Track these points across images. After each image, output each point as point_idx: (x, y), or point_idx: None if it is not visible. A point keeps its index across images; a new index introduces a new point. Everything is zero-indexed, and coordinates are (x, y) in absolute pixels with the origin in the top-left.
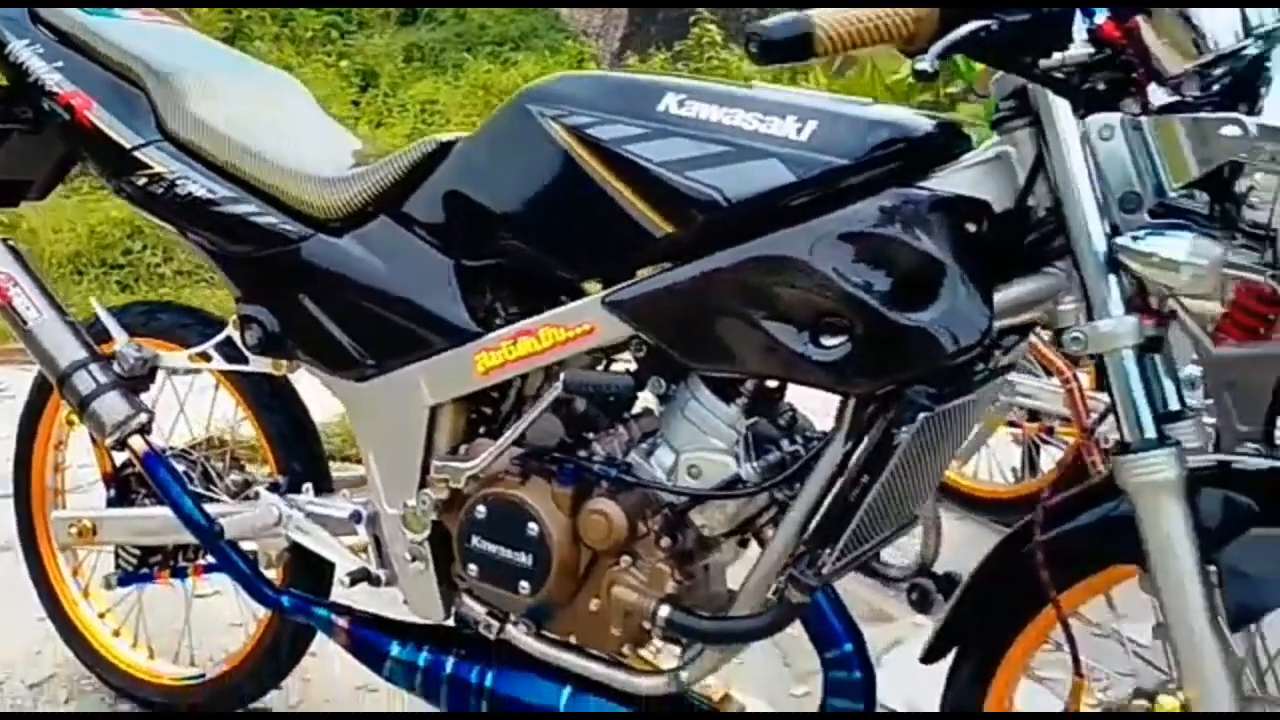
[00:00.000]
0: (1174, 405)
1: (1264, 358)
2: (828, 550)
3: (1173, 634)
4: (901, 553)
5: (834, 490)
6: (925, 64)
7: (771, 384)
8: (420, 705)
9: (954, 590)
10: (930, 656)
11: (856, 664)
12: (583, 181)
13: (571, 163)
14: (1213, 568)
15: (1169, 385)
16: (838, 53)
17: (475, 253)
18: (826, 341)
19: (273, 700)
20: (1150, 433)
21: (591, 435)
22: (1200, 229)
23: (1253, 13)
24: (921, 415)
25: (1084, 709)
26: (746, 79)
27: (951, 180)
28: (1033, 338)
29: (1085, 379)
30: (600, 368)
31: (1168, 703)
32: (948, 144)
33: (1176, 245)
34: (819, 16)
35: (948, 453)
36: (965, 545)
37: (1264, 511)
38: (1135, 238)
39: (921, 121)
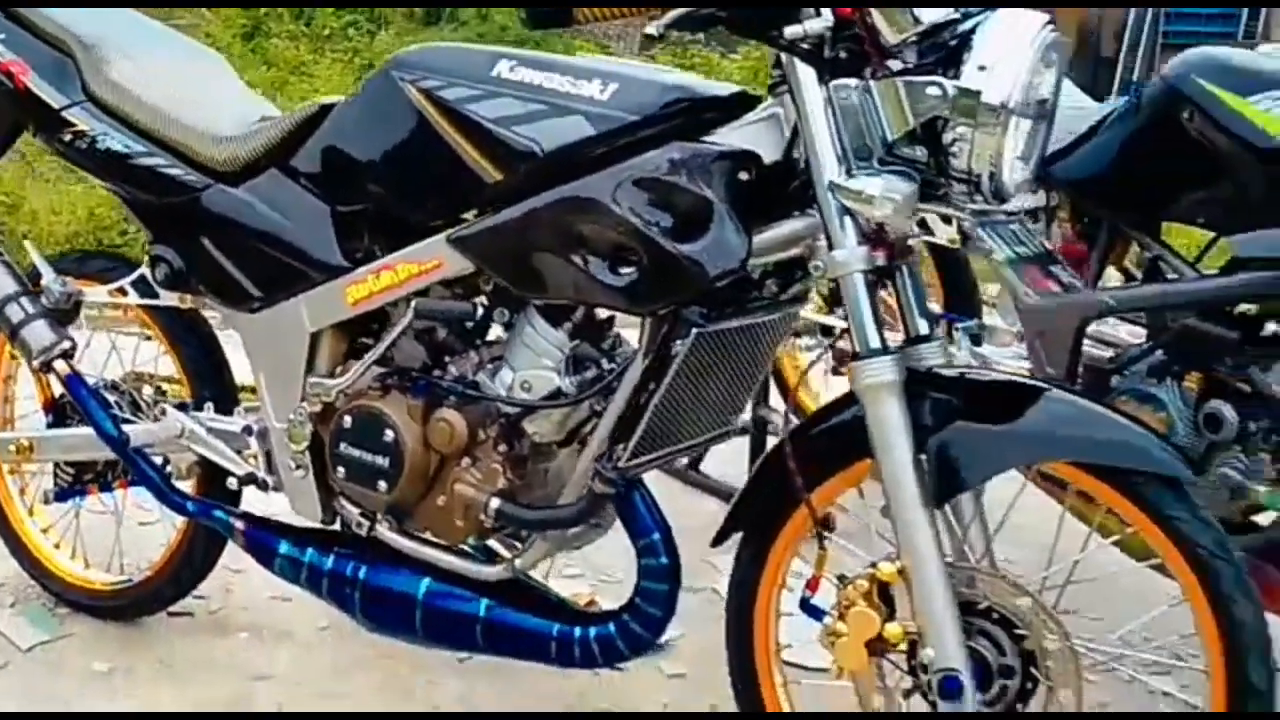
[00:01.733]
0: (923, 331)
1: (1067, 306)
2: (622, 447)
3: (892, 512)
4: None
5: (628, 397)
6: (651, 29)
7: (603, 313)
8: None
9: (830, 523)
10: (717, 540)
11: (663, 550)
12: (431, 136)
13: (423, 120)
14: (924, 456)
15: (918, 313)
16: (597, 20)
17: (347, 199)
18: (621, 270)
19: (195, 607)
20: (875, 343)
21: (448, 358)
22: (905, 173)
23: None
24: (694, 331)
25: (824, 575)
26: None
27: (731, 136)
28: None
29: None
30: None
31: (885, 569)
32: (732, 106)
33: (874, 184)
34: None
35: (747, 373)
36: None
37: (965, 409)
38: (848, 179)
39: (710, 86)
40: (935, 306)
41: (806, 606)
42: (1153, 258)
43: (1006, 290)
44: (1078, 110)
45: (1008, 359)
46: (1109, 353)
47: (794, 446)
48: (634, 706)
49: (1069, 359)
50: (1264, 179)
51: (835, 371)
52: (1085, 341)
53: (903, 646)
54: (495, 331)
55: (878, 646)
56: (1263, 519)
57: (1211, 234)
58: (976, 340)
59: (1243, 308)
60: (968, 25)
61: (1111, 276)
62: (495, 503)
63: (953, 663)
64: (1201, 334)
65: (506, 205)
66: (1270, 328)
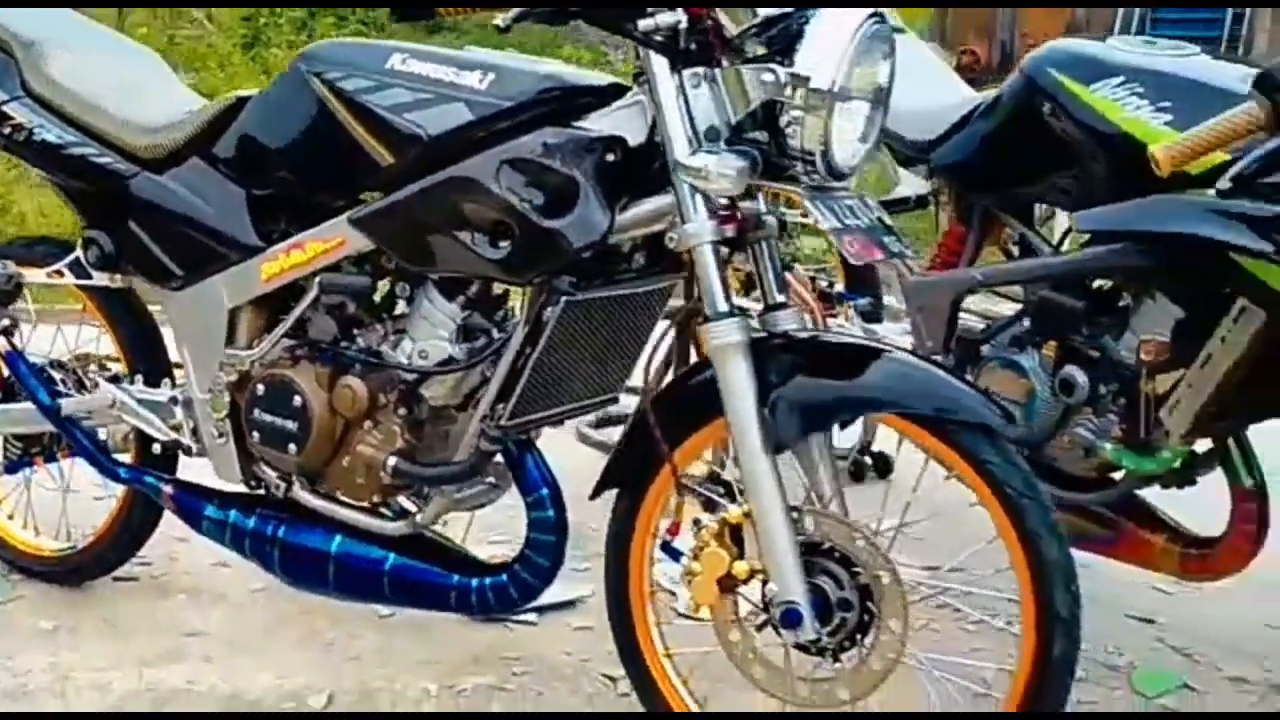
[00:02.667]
0: (778, 299)
1: (942, 283)
2: (502, 407)
3: (739, 461)
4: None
5: (510, 361)
6: (499, 20)
7: (499, 288)
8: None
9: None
10: (593, 495)
11: (550, 505)
12: (333, 124)
13: (325, 109)
14: (767, 410)
15: (773, 283)
16: (456, 15)
17: (261, 183)
18: (498, 244)
19: (140, 572)
20: (722, 307)
21: (357, 331)
22: (744, 151)
23: None
24: (564, 299)
25: (683, 521)
26: None
27: (601, 122)
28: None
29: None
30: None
31: (733, 512)
32: (605, 94)
33: (711, 161)
34: None
35: (625, 342)
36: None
37: (806, 368)
38: (690, 157)
39: (584, 76)
40: (839, 286)
41: (667, 549)
42: (1019, 237)
43: (894, 271)
44: (958, 99)
45: (897, 333)
46: (982, 324)
47: (655, 410)
48: (539, 656)
49: (945, 331)
50: (1106, 161)
51: None
52: (965, 315)
53: (755, 583)
54: (403, 306)
55: (728, 583)
56: (1118, 475)
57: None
58: (871, 317)
59: (1099, 281)
60: (801, 19)
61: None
62: (393, 461)
63: (793, 596)
64: (1055, 305)
65: (399, 187)
66: (1118, 299)
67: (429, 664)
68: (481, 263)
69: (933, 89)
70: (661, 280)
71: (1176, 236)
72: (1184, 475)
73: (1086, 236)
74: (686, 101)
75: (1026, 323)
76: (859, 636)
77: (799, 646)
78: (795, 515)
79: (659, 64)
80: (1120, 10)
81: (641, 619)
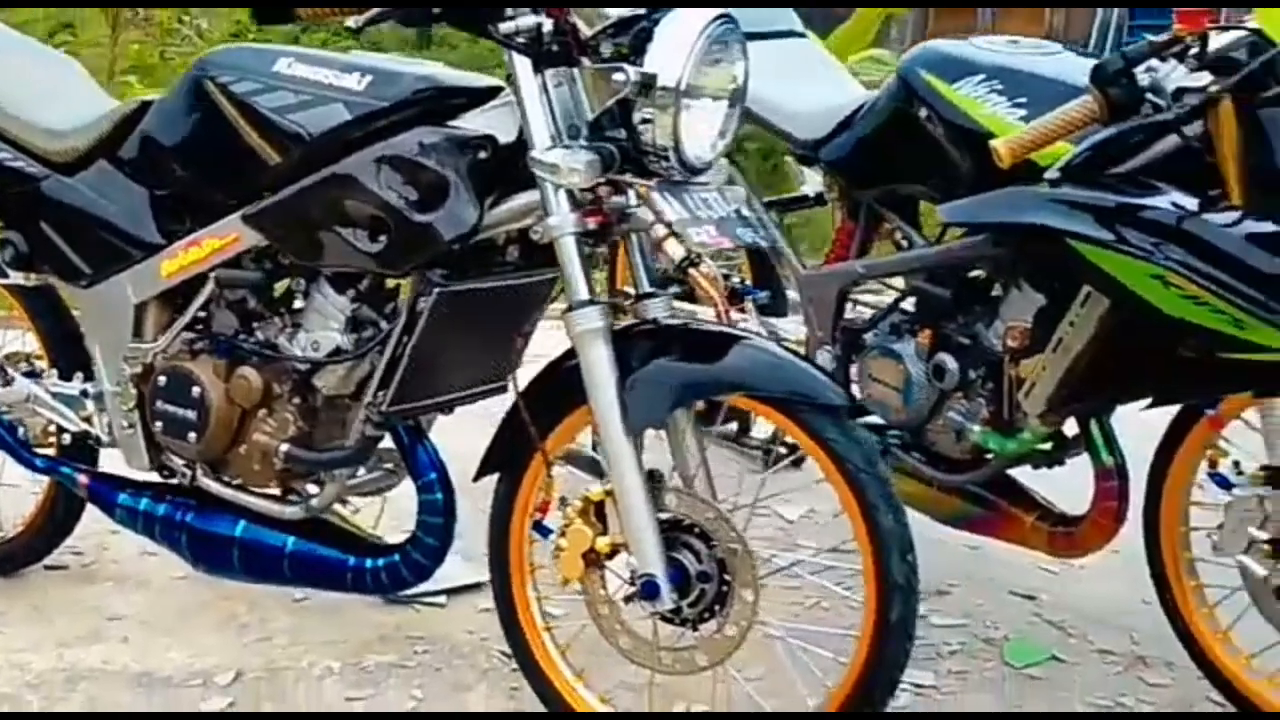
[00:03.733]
0: (646, 288)
1: (829, 276)
2: (382, 394)
3: (602, 441)
4: None
5: (390, 349)
6: (350, 22)
7: (390, 281)
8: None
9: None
10: (476, 477)
11: (439, 488)
12: (226, 125)
13: (219, 111)
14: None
15: (644, 273)
16: (317, 18)
17: (162, 184)
18: (375, 237)
19: (71, 561)
20: (583, 295)
21: (256, 324)
22: (599, 148)
23: None
24: (436, 290)
25: (552, 497)
26: None
27: (474, 121)
28: (694, 271)
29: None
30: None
31: (595, 490)
32: (479, 94)
33: (561, 156)
34: None
35: (505, 331)
36: None
37: (665, 353)
38: (544, 152)
39: (462, 78)
40: (746, 279)
41: (538, 526)
42: (893, 228)
43: (788, 266)
44: (846, 99)
45: (794, 325)
46: (867, 314)
47: (526, 400)
48: (443, 635)
49: (833, 321)
50: (969, 156)
51: None
52: (857, 306)
53: (622, 558)
54: (301, 299)
55: (592, 558)
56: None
57: None
58: (773, 310)
59: (976, 271)
60: (653, 20)
61: None
62: (285, 448)
63: (651, 569)
64: (927, 294)
65: (285, 185)
66: (991, 287)
67: (336, 643)
68: (360, 256)
69: (825, 89)
70: (539, 273)
71: (1025, 226)
72: (1052, 456)
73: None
74: (549, 100)
75: (903, 312)
76: (717, 607)
77: (664, 618)
78: (656, 492)
79: (522, 65)
80: (1098, 14)
81: (522, 595)
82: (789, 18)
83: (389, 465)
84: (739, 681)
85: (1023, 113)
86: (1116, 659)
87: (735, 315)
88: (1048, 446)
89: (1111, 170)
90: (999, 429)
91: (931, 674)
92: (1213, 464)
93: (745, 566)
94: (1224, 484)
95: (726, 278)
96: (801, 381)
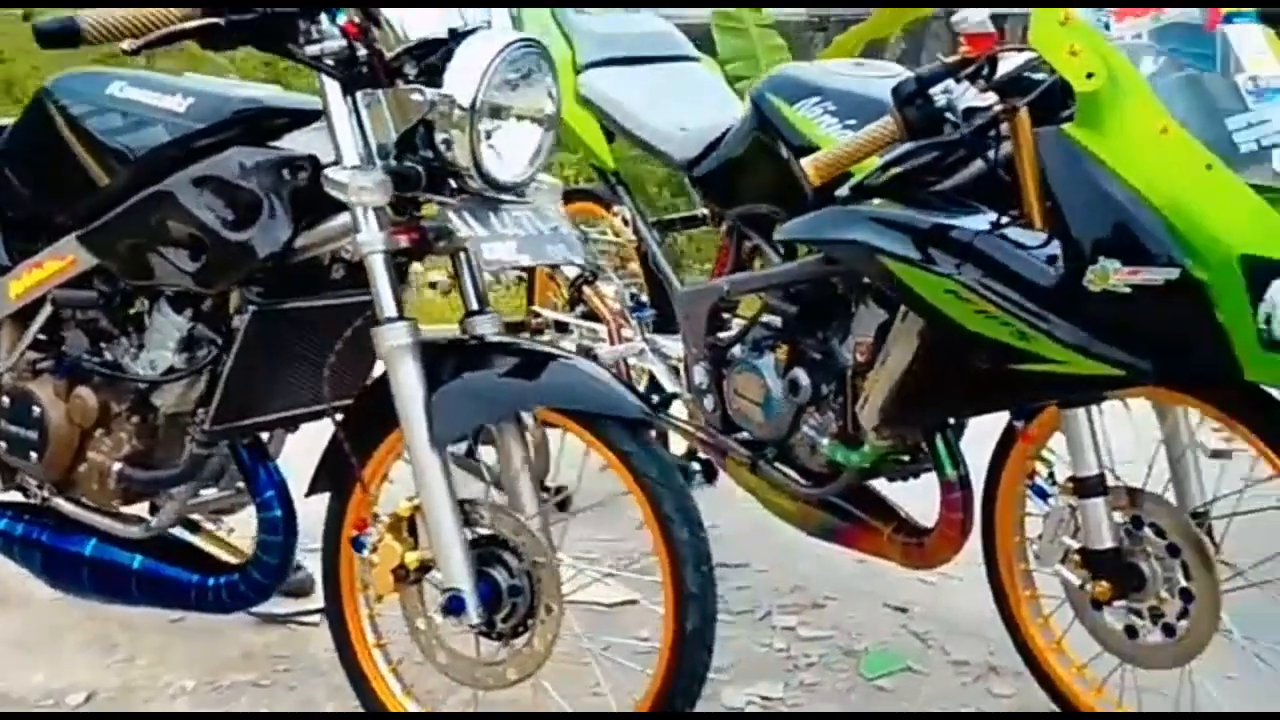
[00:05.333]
0: (474, 306)
1: (700, 293)
2: (204, 413)
3: (411, 457)
4: None
5: (217, 365)
6: (125, 45)
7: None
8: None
9: (567, 499)
10: (308, 493)
11: (277, 506)
12: (63, 147)
13: (58, 134)
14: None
15: (470, 290)
16: (108, 40)
17: (12, 206)
18: (196, 257)
19: None
20: (392, 312)
21: (104, 344)
22: (398, 168)
23: (454, 13)
24: (251, 309)
25: (368, 514)
26: None
27: (298, 141)
28: (587, 289)
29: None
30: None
31: (404, 506)
32: (303, 115)
33: (350, 175)
34: (88, 14)
35: (323, 354)
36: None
37: (474, 368)
38: (338, 172)
39: (286, 99)
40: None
41: (354, 543)
42: (754, 246)
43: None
44: (720, 120)
45: (678, 341)
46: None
47: (347, 421)
48: (306, 654)
49: (705, 337)
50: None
51: None
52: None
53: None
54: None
55: (402, 573)
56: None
57: None
58: (661, 327)
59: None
60: (454, 42)
61: None
62: (118, 467)
63: (457, 583)
64: (779, 311)
65: (115, 205)
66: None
67: (198, 663)
68: (181, 275)
69: (706, 111)
70: (359, 293)
71: (844, 243)
72: (906, 468)
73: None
74: (360, 122)
75: (765, 328)
76: (530, 621)
77: (483, 633)
78: (468, 508)
79: (331, 87)
80: None
81: (353, 613)
82: (681, 43)
83: (240, 484)
84: (550, 694)
85: (852, 134)
86: (969, 669)
87: (626, 332)
88: (904, 458)
89: (934, 188)
90: (845, 442)
91: (782, 685)
92: (1030, 476)
93: (552, 580)
94: (1042, 495)
95: (634, 296)
96: (602, 395)
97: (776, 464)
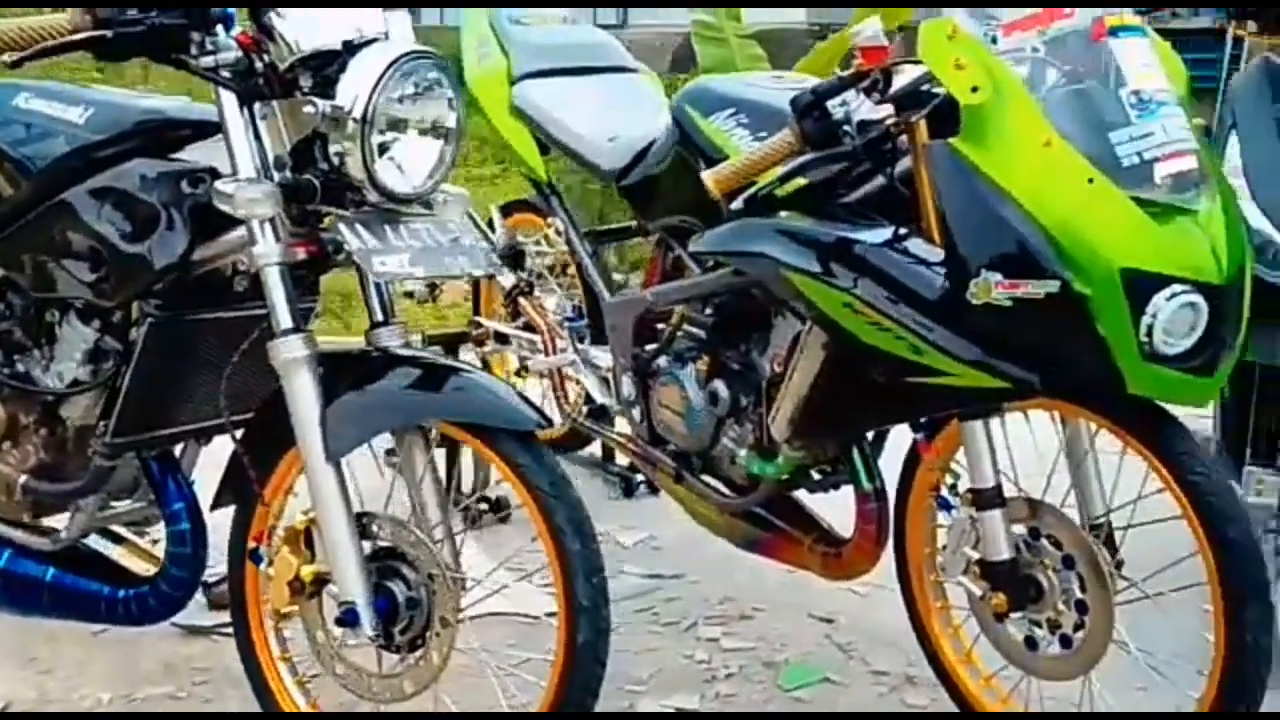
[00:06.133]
0: (379, 317)
1: (626, 303)
2: (104, 425)
3: (306, 469)
4: None
5: (118, 378)
6: (6, 58)
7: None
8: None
9: (503, 510)
10: (213, 507)
11: (186, 518)
12: None
13: None
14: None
15: (376, 302)
16: (12, 49)
17: None
18: (97, 268)
19: None
20: (287, 324)
21: (18, 356)
22: (304, 179)
23: (352, 25)
24: (149, 321)
25: (266, 526)
26: None
27: (198, 154)
28: (523, 300)
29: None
30: None
31: (300, 519)
32: (207, 127)
33: (233, 186)
34: None
35: (237, 362)
36: None
37: (370, 380)
38: (225, 184)
39: (188, 110)
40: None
41: (252, 555)
42: (676, 256)
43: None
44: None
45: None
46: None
47: (245, 440)
48: (227, 667)
49: (631, 348)
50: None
51: (518, 373)
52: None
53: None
54: None
55: (298, 586)
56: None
57: None
58: (595, 338)
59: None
60: (348, 55)
61: None
62: (23, 479)
63: (351, 596)
64: (696, 322)
65: (20, 217)
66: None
67: (117, 675)
68: (81, 287)
69: (634, 121)
70: (252, 310)
71: (750, 255)
72: (827, 480)
73: None
74: (256, 134)
75: (688, 339)
76: (427, 634)
77: (382, 646)
78: (366, 520)
79: (227, 98)
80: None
81: (257, 626)
82: (619, 54)
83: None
84: (449, 706)
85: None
86: (887, 680)
87: (561, 343)
88: (825, 469)
89: (842, 201)
90: (761, 454)
91: (698, 697)
92: (935, 487)
93: (447, 594)
94: (946, 506)
95: (577, 308)
96: (495, 407)
97: (701, 475)
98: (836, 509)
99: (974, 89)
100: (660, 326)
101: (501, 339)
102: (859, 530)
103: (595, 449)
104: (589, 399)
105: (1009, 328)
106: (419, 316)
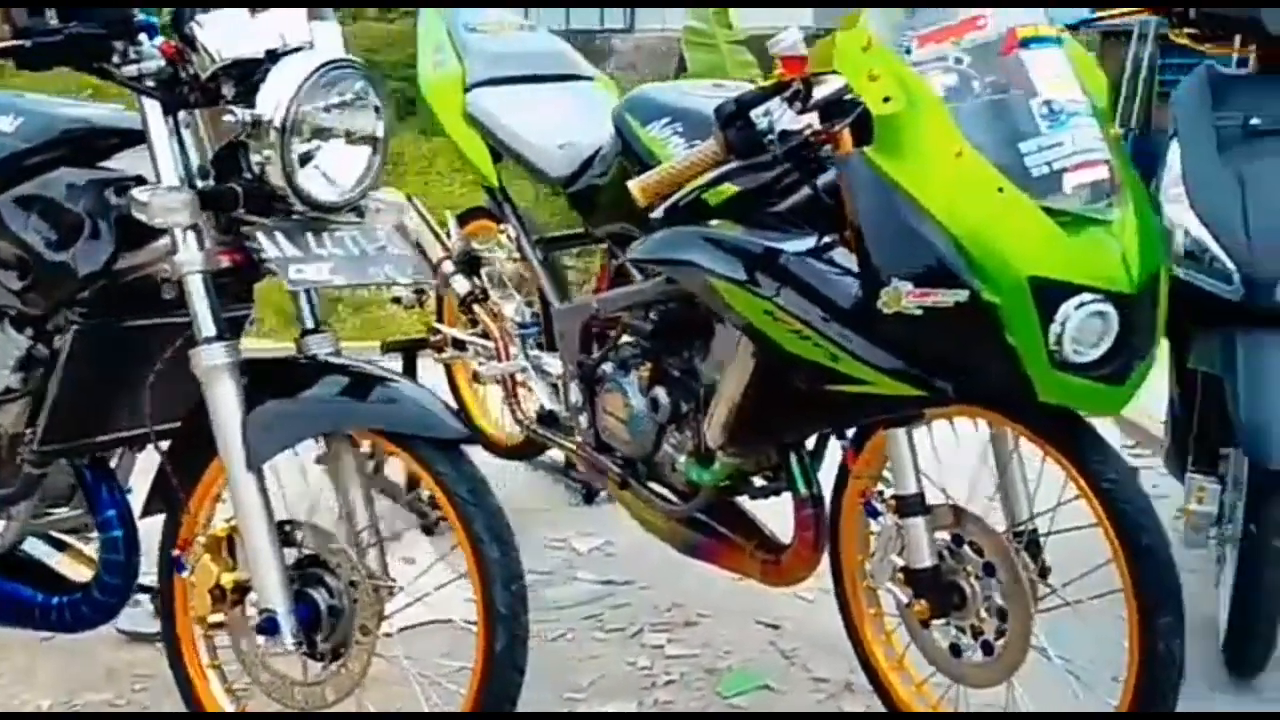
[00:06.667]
0: (309, 325)
1: (573, 310)
2: (31, 433)
3: (228, 477)
4: None
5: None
6: None
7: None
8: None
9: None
10: (142, 515)
11: (119, 525)
12: None
13: None
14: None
15: (306, 310)
16: None
17: None
18: (22, 276)
19: None
20: (210, 332)
21: None
22: (215, 188)
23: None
24: (73, 329)
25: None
26: None
27: (125, 161)
28: (477, 306)
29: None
30: None
31: (220, 526)
32: (135, 135)
33: (148, 194)
34: None
35: (166, 371)
36: None
37: (294, 389)
38: (141, 191)
39: (115, 119)
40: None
41: (176, 563)
42: (619, 263)
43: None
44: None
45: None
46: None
47: (172, 448)
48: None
49: (578, 355)
50: None
51: (474, 380)
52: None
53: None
54: None
55: (219, 594)
56: None
57: None
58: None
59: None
60: (269, 64)
61: None
62: None
63: (271, 604)
64: (638, 330)
65: None
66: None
67: (60, 682)
68: (9, 295)
69: (584, 128)
70: (175, 319)
71: (678, 263)
72: (768, 487)
73: None
74: (181, 142)
75: (632, 346)
76: (349, 642)
77: (307, 654)
78: (289, 528)
79: (150, 107)
80: (1130, 53)
81: (185, 633)
82: (574, 62)
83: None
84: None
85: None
86: (826, 687)
87: (513, 349)
88: (769, 476)
89: (773, 209)
90: (699, 460)
91: (635, 704)
92: (863, 494)
93: (369, 601)
94: (874, 514)
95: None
96: (418, 418)
97: (647, 482)
98: (781, 516)
99: (886, 99)
100: (607, 333)
101: (459, 346)
102: (797, 537)
103: (560, 455)
104: (544, 406)
105: (920, 336)
106: (405, 323)
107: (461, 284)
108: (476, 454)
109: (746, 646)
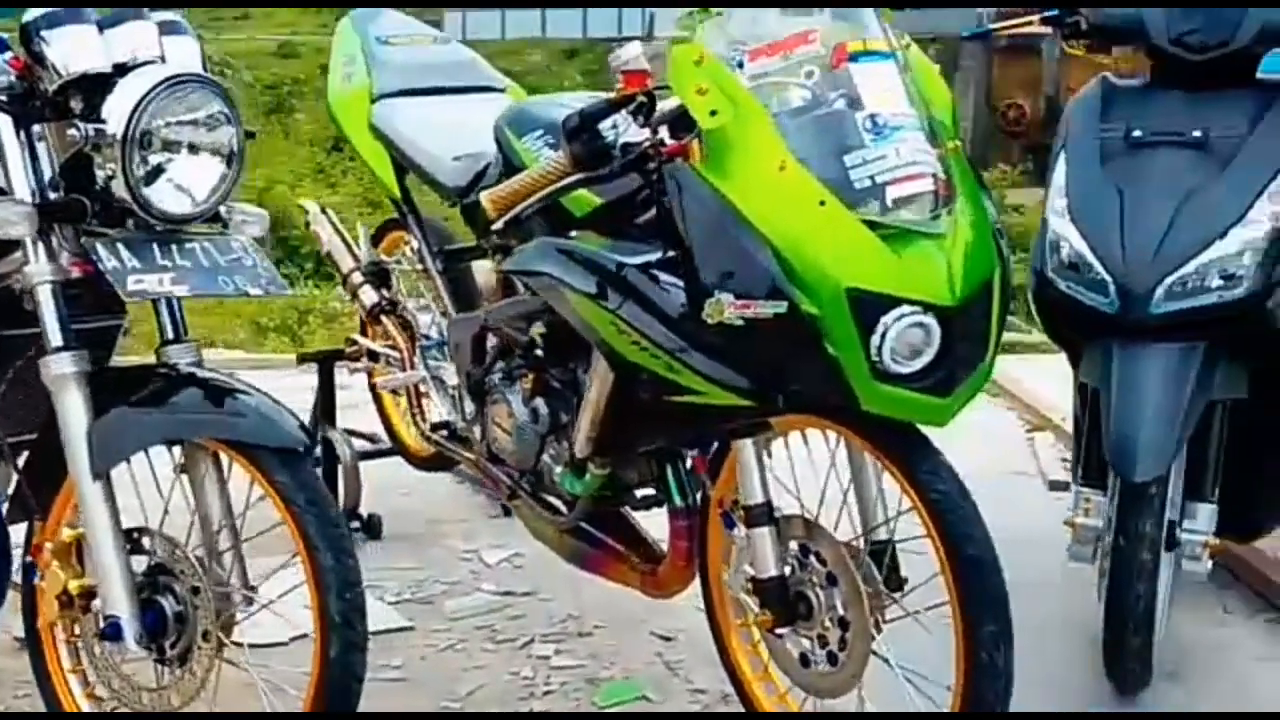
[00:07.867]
0: (169, 335)
1: (466, 321)
2: None
3: (73, 484)
4: None
5: None
6: None
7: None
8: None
9: (376, 527)
10: (10, 522)
11: None
12: None
13: None
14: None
15: (167, 320)
16: None
17: None
18: None
19: None
20: (58, 341)
21: None
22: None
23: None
24: None
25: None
26: None
27: None
28: (385, 318)
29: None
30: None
31: (67, 533)
32: None
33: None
34: None
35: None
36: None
37: (143, 397)
38: None
39: None
40: None
41: (28, 569)
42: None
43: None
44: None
45: None
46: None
47: (29, 460)
48: None
49: (469, 365)
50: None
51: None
52: None
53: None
54: None
55: (65, 599)
56: None
57: None
58: None
59: None
60: (116, 78)
61: None
62: None
63: (115, 610)
64: (515, 341)
65: None
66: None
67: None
68: None
69: (483, 141)
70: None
71: (538, 274)
72: (650, 498)
73: None
74: (34, 155)
75: (518, 358)
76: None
77: (157, 659)
78: (137, 535)
79: (2, 121)
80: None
81: (48, 637)
82: (484, 74)
83: None
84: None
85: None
86: (703, 698)
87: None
88: (652, 487)
89: (636, 221)
90: (573, 471)
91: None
92: (721, 504)
93: (211, 609)
94: (730, 524)
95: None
96: (260, 427)
97: (535, 493)
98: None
99: (713, 113)
100: (497, 345)
101: (374, 356)
102: (672, 547)
103: None
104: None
105: (744, 347)
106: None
107: (369, 295)
108: (399, 464)
109: (633, 658)
